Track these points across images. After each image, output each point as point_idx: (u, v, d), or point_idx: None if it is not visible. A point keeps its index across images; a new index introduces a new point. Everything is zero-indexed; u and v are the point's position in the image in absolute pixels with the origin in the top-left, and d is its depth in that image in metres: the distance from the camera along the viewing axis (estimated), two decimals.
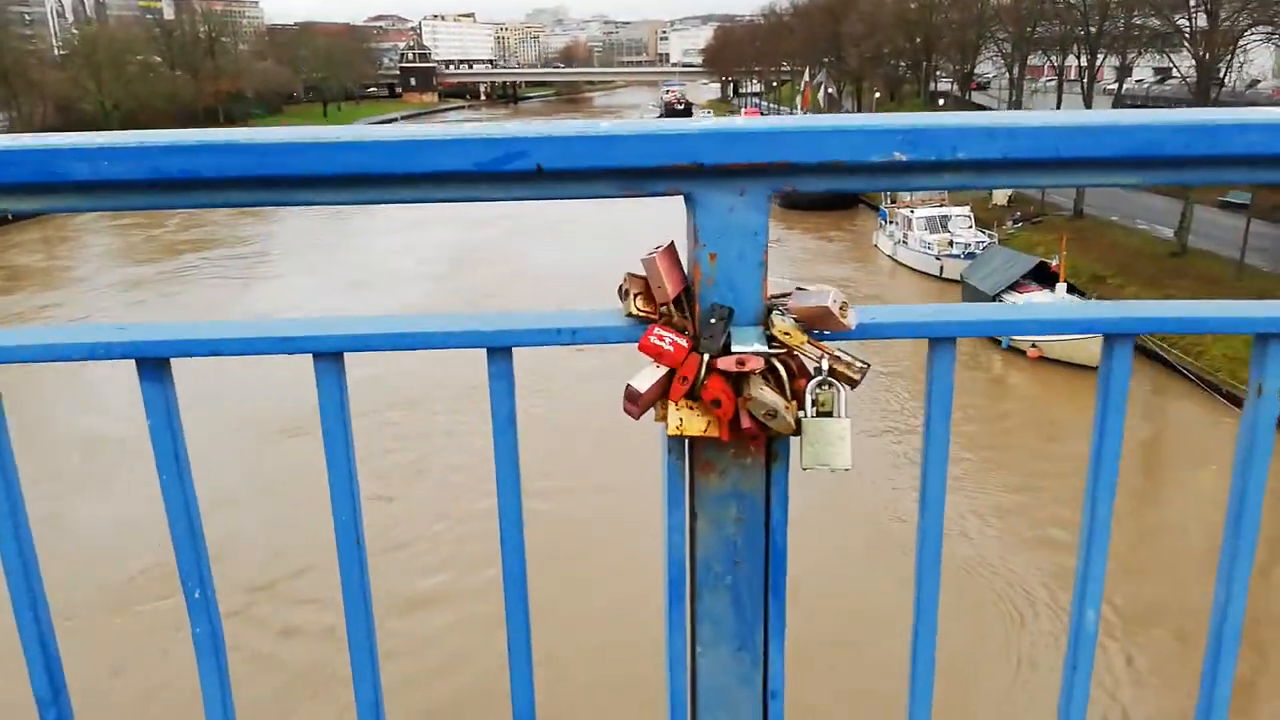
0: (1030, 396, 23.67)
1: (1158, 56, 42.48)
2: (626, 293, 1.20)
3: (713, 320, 1.13)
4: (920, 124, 1.05)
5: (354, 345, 1.17)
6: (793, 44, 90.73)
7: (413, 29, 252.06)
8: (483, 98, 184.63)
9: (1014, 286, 26.52)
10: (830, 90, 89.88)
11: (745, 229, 1.12)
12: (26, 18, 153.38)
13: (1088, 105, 39.49)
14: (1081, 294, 26.43)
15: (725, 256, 1.13)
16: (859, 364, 1.15)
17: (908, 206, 37.81)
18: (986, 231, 35.44)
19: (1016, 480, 18.93)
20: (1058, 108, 45.25)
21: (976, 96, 64.50)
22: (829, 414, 1.15)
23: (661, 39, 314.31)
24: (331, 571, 1.27)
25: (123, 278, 38.70)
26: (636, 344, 1.14)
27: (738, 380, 1.12)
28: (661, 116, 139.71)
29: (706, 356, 1.12)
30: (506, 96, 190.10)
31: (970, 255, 32.40)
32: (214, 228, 49.15)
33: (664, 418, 1.15)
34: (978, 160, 1.06)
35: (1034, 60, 48.85)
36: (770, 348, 1.13)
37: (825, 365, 1.14)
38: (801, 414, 1.14)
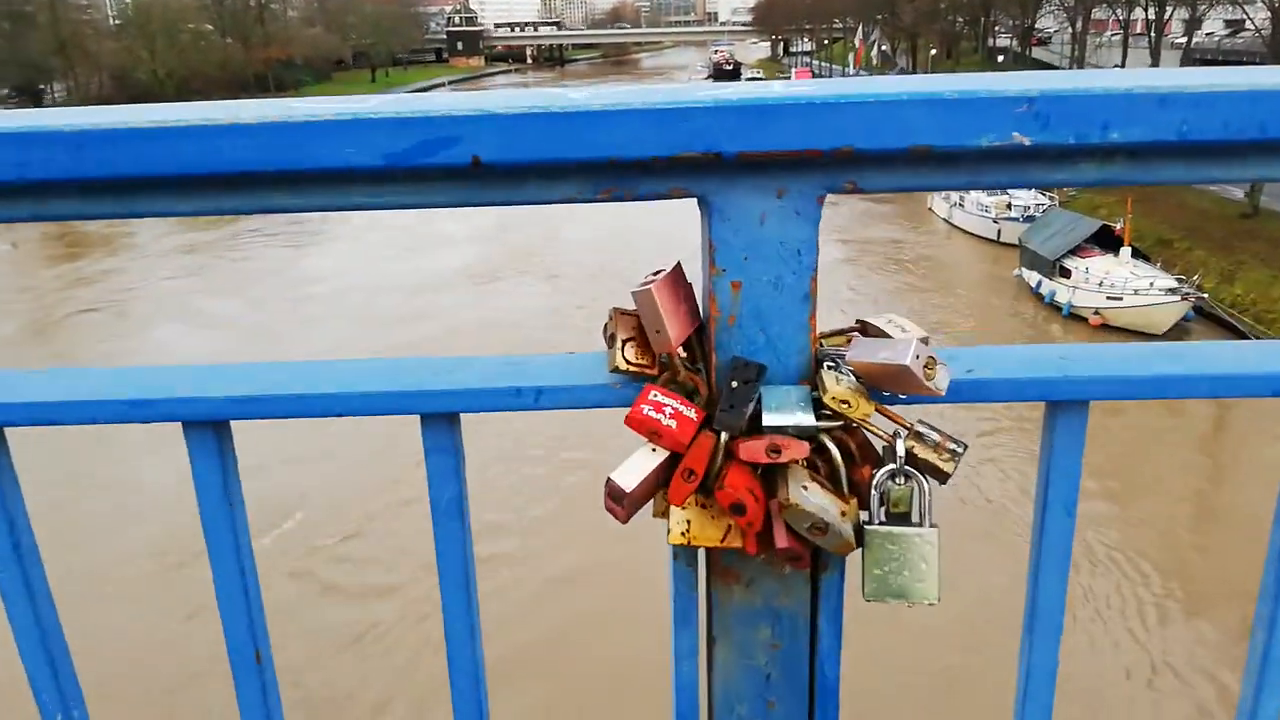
0: None
1: (1229, 8, 40.37)
2: (613, 337, 0.86)
3: (735, 383, 0.80)
4: (1053, 87, 0.74)
5: (220, 411, 0.88)
6: (845, 0, 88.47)
7: None
8: (529, 61, 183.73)
9: (1076, 251, 25.58)
10: (884, 48, 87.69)
11: (785, 247, 0.81)
12: None
13: (1155, 61, 37.77)
14: (1146, 259, 25.44)
15: (755, 287, 0.81)
16: (952, 446, 0.82)
17: None
18: (1046, 193, 34.28)
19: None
20: (1123, 63, 43.44)
21: (1037, 52, 62.28)
22: (906, 517, 0.82)
23: None
24: None
25: (181, 243, 39.37)
26: (625, 412, 0.82)
27: (770, 474, 0.81)
28: (709, 78, 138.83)
29: (725, 436, 0.80)
30: (553, 59, 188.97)
31: (1029, 218, 31.39)
32: None
33: (664, 513, 0.84)
34: (1140, 144, 0.75)
35: (1098, 14, 46.86)
36: (820, 420, 0.80)
37: (902, 449, 0.82)
38: (864, 517, 0.83)
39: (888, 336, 0.85)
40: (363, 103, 0.76)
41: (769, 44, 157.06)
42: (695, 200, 0.81)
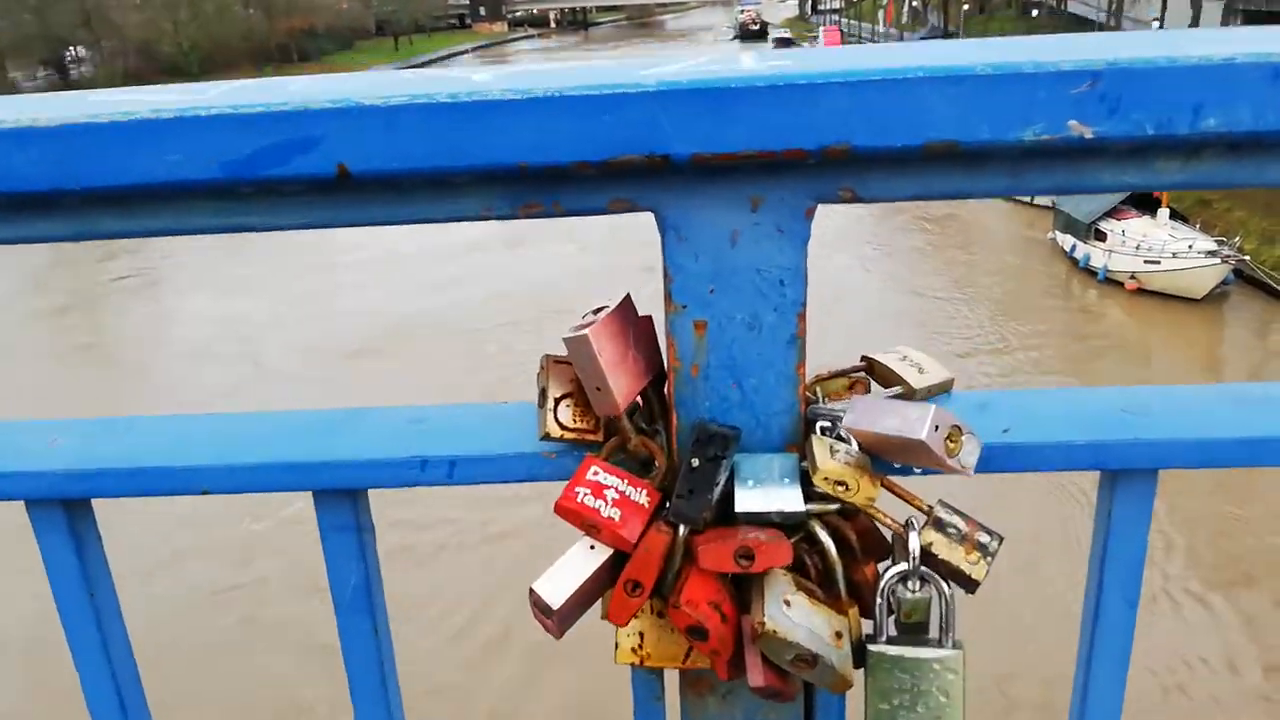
0: (1125, 327, 22.36)
1: None
2: (543, 392, 0.67)
3: (696, 460, 0.60)
4: (1124, 58, 0.54)
5: (60, 489, 0.71)
6: None
7: None
8: (552, 25, 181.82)
9: (1112, 213, 24.84)
10: (915, 3, 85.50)
11: (763, 275, 0.61)
12: None
13: (1196, 14, 36.35)
14: (1185, 220, 24.66)
15: (725, 328, 0.62)
16: (983, 538, 0.62)
17: None
18: None
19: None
20: (1161, 16, 41.82)
21: (1073, 6, 60.35)
22: (921, 630, 0.61)
23: None
24: None
25: None
26: (555, 492, 0.64)
27: (744, 584, 0.62)
28: (736, 38, 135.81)
29: (684, 532, 0.61)
30: (577, 23, 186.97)
31: None
32: None
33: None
34: (1246, 134, 0.55)
35: None
36: (811, 502, 0.60)
37: (917, 544, 0.62)
38: (868, 636, 0.62)
39: (900, 383, 0.66)
40: (199, 95, 0.61)
41: (797, 2, 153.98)
42: (651, 215, 0.62)
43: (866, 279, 27.14)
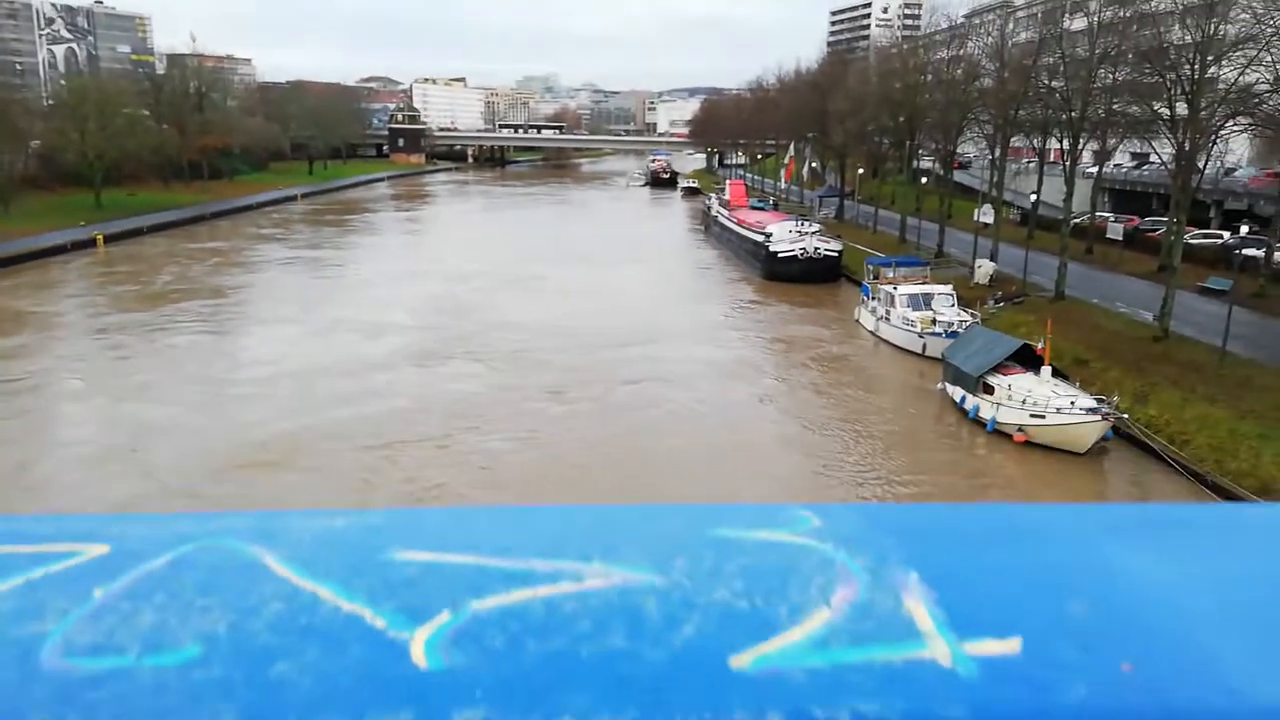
0: (1014, 479, 22.96)
1: (1138, 143, 43.09)
2: None
3: None
4: None
5: None
6: (778, 118, 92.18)
7: (404, 91, 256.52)
8: (470, 161, 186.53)
9: (998, 368, 26.01)
10: (814, 164, 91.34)
11: None
12: (18, 67, 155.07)
13: (1069, 188, 39.77)
14: (1065, 378, 25.97)
15: None
16: None
17: (890, 283, 37.62)
18: (969, 310, 35.19)
19: None
20: (1038, 190, 45.49)
21: (959, 176, 65.34)
22: None
23: (649, 109, 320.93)
24: None
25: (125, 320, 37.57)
26: None
27: None
28: (646, 185, 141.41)
29: None
30: (494, 160, 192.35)
31: (953, 334, 32.03)
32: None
33: None
34: None
35: (1016, 141, 49.59)
36: None
37: None
38: None
39: None
40: None
41: (704, 155, 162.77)
42: None
43: (762, 410, 27.63)
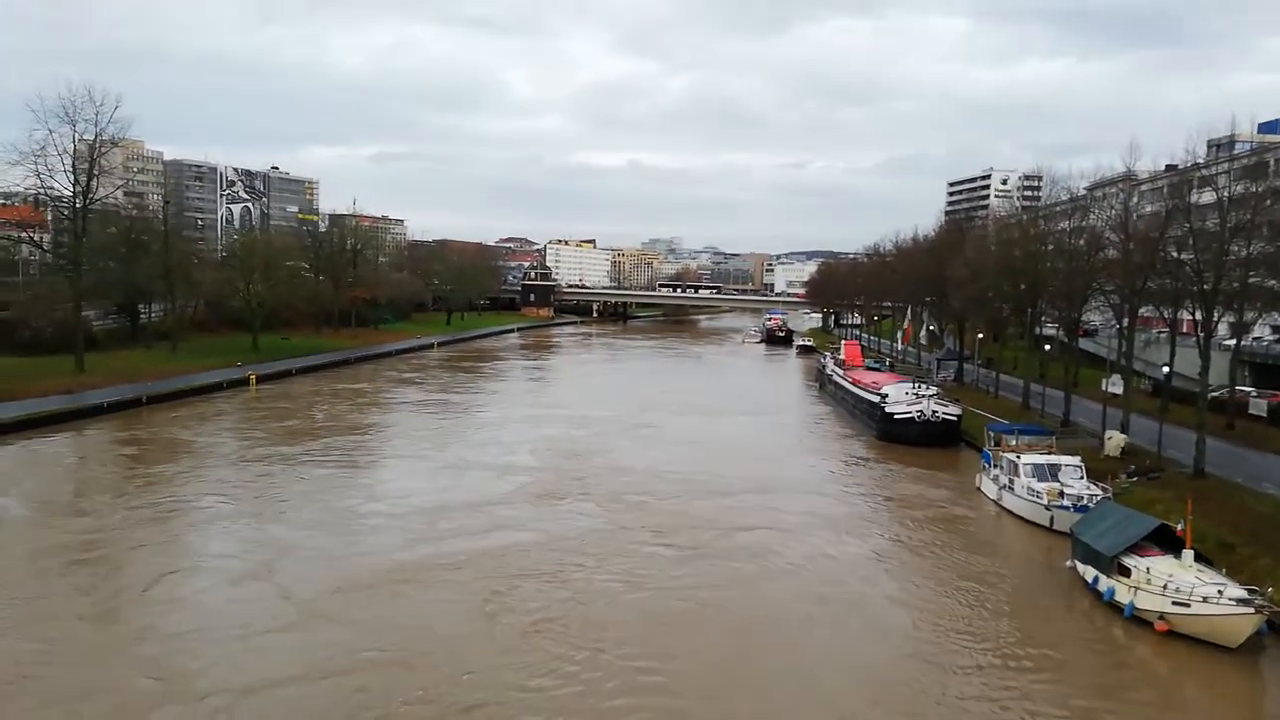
0: (1158, 677, 21.10)
1: (1277, 315, 41.29)
2: None
3: None
4: None
5: None
6: (895, 282, 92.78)
7: (538, 250, 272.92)
8: (595, 315, 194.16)
9: (1134, 548, 24.54)
10: (932, 328, 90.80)
11: None
12: (199, 222, 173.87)
13: (1204, 360, 38.19)
14: (1209, 563, 24.19)
15: None
16: None
17: (1013, 451, 36.55)
18: (1099, 484, 33.64)
19: None
20: (1170, 361, 43.65)
21: (1084, 343, 63.58)
22: None
23: (767, 270, 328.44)
24: None
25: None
26: None
27: None
28: (762, 342, 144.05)
29: None
30: (618, 314, 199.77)
31: (1081, 508, 30.58)
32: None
33: None
34: None
35: (1145, 311, 48.22)
36: None
37: None
38: None
39: None
40: None
41: (820, 315, 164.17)
42: None
43: (875, 580, 26.41)
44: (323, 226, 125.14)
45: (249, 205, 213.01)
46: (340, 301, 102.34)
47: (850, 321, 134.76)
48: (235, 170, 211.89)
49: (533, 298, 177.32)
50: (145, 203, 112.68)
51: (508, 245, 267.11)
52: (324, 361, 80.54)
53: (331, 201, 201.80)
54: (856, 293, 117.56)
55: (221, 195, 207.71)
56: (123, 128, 63.23)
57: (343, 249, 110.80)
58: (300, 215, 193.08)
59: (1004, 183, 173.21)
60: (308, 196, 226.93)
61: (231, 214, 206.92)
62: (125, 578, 24.92)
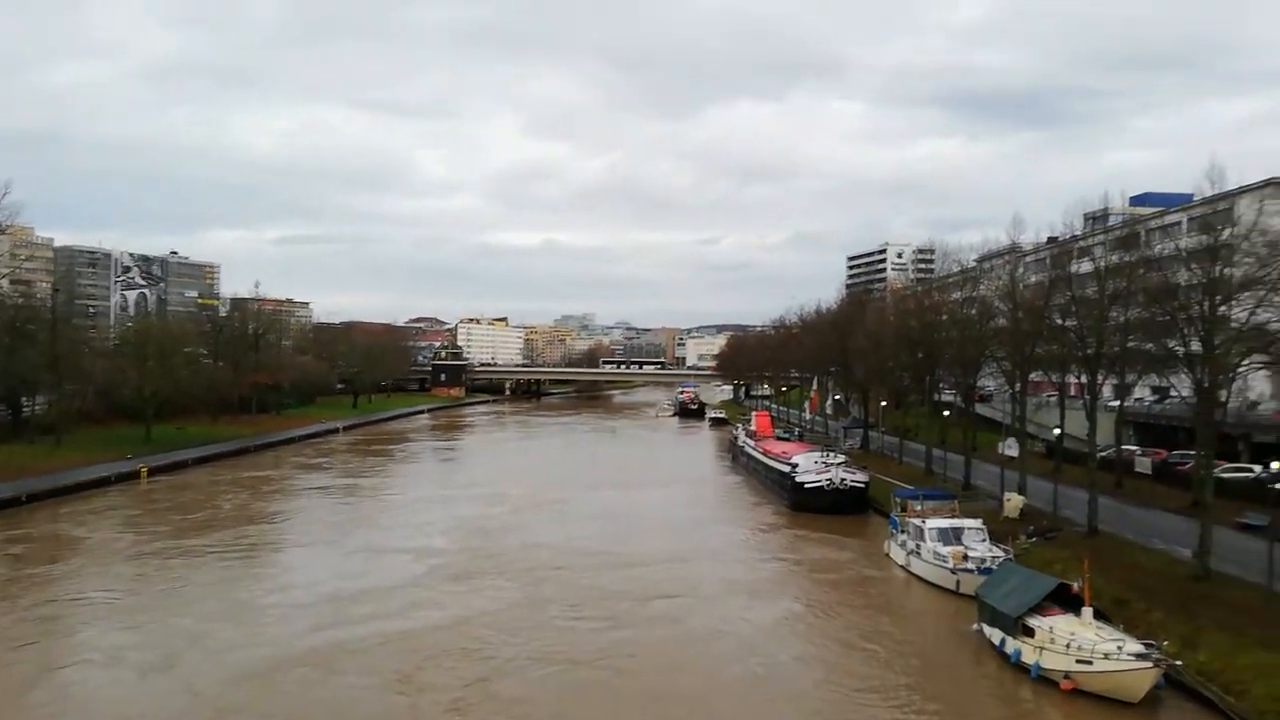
0: None
1: (1156, 377, 43.66)
2: None
3: None
4: None
5: None
6: (801, 354, 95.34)
7: (449, 330, 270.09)
8: (507, 393, 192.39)
9: (1036, 608, 25.13)
10: (838, 397, 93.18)
11: None
12: (91, 310, 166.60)
13: (1091, 422, 40.11)
14: (1108, 619, 24.92)
15: None
16: None
17: (919, 516, 37.32)
18: (1001, 546, 34.56)
19: None
20: (1060, 423, 45.60)
21: (980, 408, 66.12)
22: None
23: (679, 345, 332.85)
24: None
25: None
26: None
27: None
28: (675, 415, 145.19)
29: None
30: (531, 392, 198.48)
31: (985, 570, 31.29)
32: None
33: None
34: None
35: (1035, 376, 50.47)
36: None
37: None
38: None
39: None
40: None
41: (731, 387, 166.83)
42: None
43: (789, 644, 26.31)
44: (223, 311, 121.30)
45: (145, 291, 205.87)
46: (240, 388, 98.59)
47: (760, 392, 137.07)
48: (131, 256, 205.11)
49: (444, 377, 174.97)
50: (33, 290, 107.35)
51: (418, 325, 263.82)
52: (222, 450, 77.06)
53: (233, 285, 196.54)
54: (765, 364, 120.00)
55: (116, 282, 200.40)
56: (10, 214, 60.86)
57: (244, 334, 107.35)
58: (200, 300, 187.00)
59: (899, 256, 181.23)
60: (208, 281, 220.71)
61: (126, 300, 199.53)
62: (8, 678, 23.16)
